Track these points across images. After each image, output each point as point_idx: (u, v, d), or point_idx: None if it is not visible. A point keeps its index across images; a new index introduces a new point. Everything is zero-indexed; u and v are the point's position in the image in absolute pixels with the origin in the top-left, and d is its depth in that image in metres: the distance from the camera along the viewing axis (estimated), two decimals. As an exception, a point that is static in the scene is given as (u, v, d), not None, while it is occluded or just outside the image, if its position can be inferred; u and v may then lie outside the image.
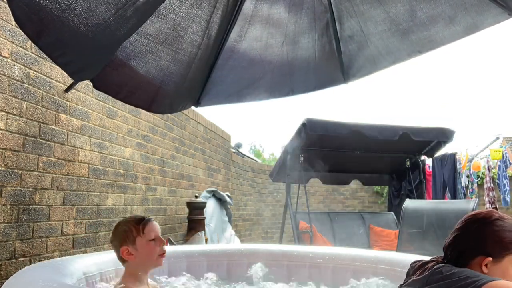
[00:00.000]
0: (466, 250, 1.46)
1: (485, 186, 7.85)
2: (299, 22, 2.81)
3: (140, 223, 2.00)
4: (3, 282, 1.81)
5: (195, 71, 2.85)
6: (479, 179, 8.31)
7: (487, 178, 7.80)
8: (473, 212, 1.54)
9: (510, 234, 1.44)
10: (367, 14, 2.67)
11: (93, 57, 2.31)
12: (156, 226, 2.05)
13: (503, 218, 1.48)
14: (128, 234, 1.98)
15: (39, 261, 2.63)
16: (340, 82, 3.24)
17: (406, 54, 2.90)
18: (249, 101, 3.48)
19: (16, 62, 2.51)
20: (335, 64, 3.07)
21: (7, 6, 2.40)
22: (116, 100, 3.50)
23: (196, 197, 5.24)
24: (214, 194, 5.86)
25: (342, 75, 3.15)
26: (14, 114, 2.49)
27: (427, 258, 1.60)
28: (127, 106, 3.80)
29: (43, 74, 2.76)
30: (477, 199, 5.05)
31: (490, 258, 1.42)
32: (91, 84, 2.70)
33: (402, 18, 2.64)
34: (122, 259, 2.00)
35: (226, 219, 6.10)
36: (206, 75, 3.03)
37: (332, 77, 3.22)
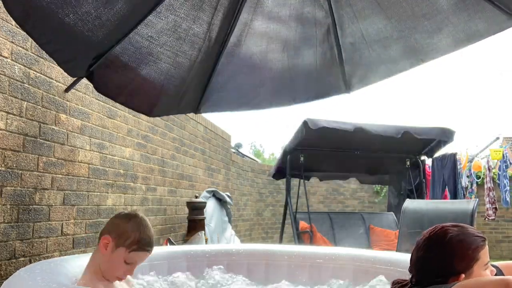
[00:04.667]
0: (437, 276, 1.45)
1: (485, 186, 7.84)
2: (300, 27, 2.76)
3: (142, 242, 1.75)
4: (3, 282, 1.81)
5: (195, 75, 2.82)
6: (479, 179, 8.31)
7: (487, 178, 7.78)
8: (427, 234, 1.54)
9: (470, 244, 1.45)
10: (368, 20, 2.61)
11: (83, 47, 2.27)
12: (145, 258, 1.81)
13: (456, 231, 1.49)
14: (125, 235, 1.74)
15: (39, 261, 2.63)
16: (342, 92, 3.16)
17: (409, 63, 2.83)
18: (249, 109, 3.41)
19: (16, 62, 2.51)
20: (337, 72, 3.01)
21: (7, 6, 2.40)
22: (116, 100, 3.50)
23: (196, 197, 5.24)
24: (214, 194, 5.86)
25: (344, 84, 3.08)
26: (14, 114, 2.49)
27: (407, 277, 1.60)
28: (127, 108, 3.80)
29: (43, 74, 2.76)
30: (477, 199, 5.03)
31: (463, 275, 1.42)
32: (91, 84, 2.70)
33: (404, 25, 2.58)
34: (98, 243, 1.80)
35: (226, 219, 6.10)
36: (206, 80, 2.99)
37: (334, 85, 3.14)
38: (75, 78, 2.75)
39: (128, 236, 1.74)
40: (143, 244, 1.76)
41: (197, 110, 3.23)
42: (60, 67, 2.49)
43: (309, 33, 2.80)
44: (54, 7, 1.89)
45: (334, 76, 3.06)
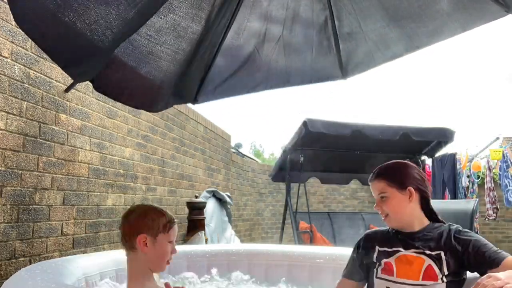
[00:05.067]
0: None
1: (485, 186, 7.85)
2: (297, 18, 2.82)
3: (169, 221, 1.88)
4: (3, 282, 1.81)
5: (193, 69, 2.85)
6: (479, 179, 8.31)
7: (488, 178, 7.79)
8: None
9: None
10: (366, 11, 2.69)
11: (96, 59, 2.32)
12: (176, 231, 1.94)
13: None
14: (155, 224, 1.82)
15: (39, 261, 2.63)
16: (338, 78, 3.24)
17: (404, 50, 2.92)
18: (245, 93, 3.46)
19: (16, 62, 2.51)
20: (333, 59, 3.09)
21: (6, 6, 2.40)
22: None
23: (196, 197, 5.24)
24: (214, 194, 5.86)
25: (340, 70, 3.16)
26: (14, 114, 2.49)
27: None
28: (127, 106, 3.80)
29: (43, 74, 2.76)
30: (477, 199, 5.03)
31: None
32: (91, 85, 2.70)
33: (400, 15, 2.65)
34: (131, 247, 1.81)
35: (226, 219, 6.11)
36: (204, 73, 3.04)
37: (330, 72, 3.23)
38: (75, 78, 2.76)
39: (158, 223, 1.83)
40: (171, 221, 1.89)
41: (194, 101, 3.25)
42: (74, 79, 2.52)
43: (307, 24, 2.85)
44: (71, 25, 1.91)
45: (330, 63, 3.13)
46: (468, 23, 2.56)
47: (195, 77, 3.01)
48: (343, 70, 3.15)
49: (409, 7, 2.57)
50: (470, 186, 8.10)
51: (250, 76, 3.23)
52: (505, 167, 7.57)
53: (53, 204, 2.83)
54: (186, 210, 5.04)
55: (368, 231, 1.95)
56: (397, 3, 2.57)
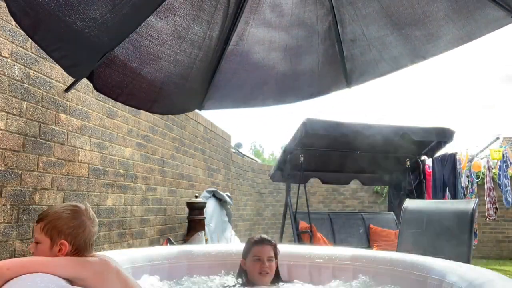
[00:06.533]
0: None
1: (485, 186, 7.84)
2: (302, 25, 2.78)
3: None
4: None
5: (196, 72, 2.83)
6: (479, 179, 8.30)
7: (487, 178, 7.79)
8: None
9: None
10: (369, 18, 2.63)
11: (88, 52, 2.30)
12: None
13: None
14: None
15: (39, 261, 2.63)
16: (343, 87, 3.20)
17: (409, 60, 2.86)
18: (254, 106, 3.45)
19: (16, 62, 2.51)
20: (338, 68, 3.05)
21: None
22: (116, 100, 3.50)
23: (196, 197, 5.24)
24: (214, 194, 5.86)
25: (345, 79, 3.12)
26: (14, 114, 2.49)
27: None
28: (127, 106, 3.80)
29: (43, 74, 2.76)
30: (477, 199, 5.02)
31: None
32: (91, 84, 2.70)
33: (404, 22, 2.60)
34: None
35: (226, 219, 6.10)
36: (208, 78, 3.01)
37: (335, 81, 3.18)
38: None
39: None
40: None
41: (201, 107, 3.24)
42: (66, 71, 2.50)
43: (311, 31, 2.82)
44: (61, 15, 1.90)
45: (336, 72, 3.09)
46: (474, 31, 2.49)
47: (199, 81, 2.99)
48: (348, 78, 3.11)
49: (412, 13, 2.51)
50: (469, 186, 8.09)
51: (258, 88, 3.20)
52: (504, 167, 7.57)
53: (53, 204, 2.83)
54: (186, 210, 5.04)
55: None
56: (400, 9, 2.52)
